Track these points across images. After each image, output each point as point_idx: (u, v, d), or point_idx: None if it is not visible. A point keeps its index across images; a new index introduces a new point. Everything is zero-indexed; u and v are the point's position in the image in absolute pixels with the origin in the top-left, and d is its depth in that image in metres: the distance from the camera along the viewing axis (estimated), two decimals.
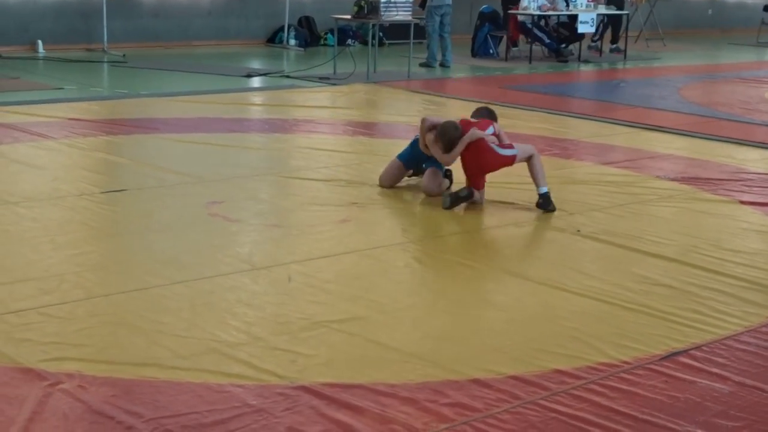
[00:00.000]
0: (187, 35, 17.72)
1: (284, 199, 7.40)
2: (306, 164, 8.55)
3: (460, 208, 7.16)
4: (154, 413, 3.93)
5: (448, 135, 7.27)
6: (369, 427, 3.91)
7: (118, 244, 6.17)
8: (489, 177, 7.39)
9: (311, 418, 3.96)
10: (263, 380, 4.28)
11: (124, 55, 15.47)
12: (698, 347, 4.82)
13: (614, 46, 19.18)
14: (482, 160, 7.27)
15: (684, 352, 4.75)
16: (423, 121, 7.52)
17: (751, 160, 9.47)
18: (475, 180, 7.30)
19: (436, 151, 7.35)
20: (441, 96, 12.88)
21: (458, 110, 8.21)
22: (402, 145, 8.07)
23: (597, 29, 18.77)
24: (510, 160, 7.30)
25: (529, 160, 7.28)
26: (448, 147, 7.27)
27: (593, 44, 19.08)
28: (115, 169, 8.20)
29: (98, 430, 3.79)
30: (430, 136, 7.37)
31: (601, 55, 18.61)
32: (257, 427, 3.88)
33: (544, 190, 7.23)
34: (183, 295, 5.25)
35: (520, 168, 7.36)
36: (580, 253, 6.39)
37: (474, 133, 7.25)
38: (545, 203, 7.19)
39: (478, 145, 7.24)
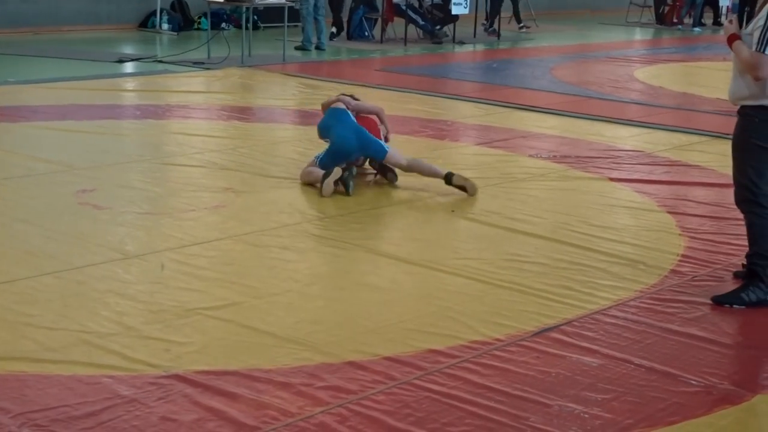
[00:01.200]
0: (56, 20, 17.28)
1: (157, 186, 7.28)
2: (180, 150, 8.43)
3: (336, 192, 7.13)
4: (22, 408, 3.84)
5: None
6: (244, 414, 3.89)
7: None
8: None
9: (185, 407, 3.93)
10: (136, 370, 4.22)
11: None
12: (569, 322, 4.92)
13: (491, 28, 19.38)
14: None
15: (555, 328, 4.84)
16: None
17: (621, 137, 9.68)
18: None
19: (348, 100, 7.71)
20: (317, 79, 12.83)
21: (335, 93, 8.19)
22: (278, 129, 7.99)
23: (488, 13, 19.02)
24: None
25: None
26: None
27: (490, 28, 19.23)
28: None
29: None
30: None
31: (498, 37, 18.75)
32: (129, 417, 3.83)
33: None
34: (52, 287, 5.14)
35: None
36: (454, 233, 6.47)
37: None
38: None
39: (372, 123, 7.69)
